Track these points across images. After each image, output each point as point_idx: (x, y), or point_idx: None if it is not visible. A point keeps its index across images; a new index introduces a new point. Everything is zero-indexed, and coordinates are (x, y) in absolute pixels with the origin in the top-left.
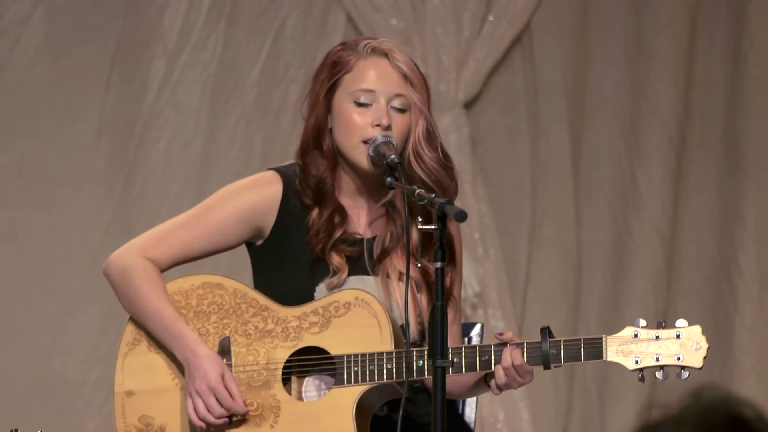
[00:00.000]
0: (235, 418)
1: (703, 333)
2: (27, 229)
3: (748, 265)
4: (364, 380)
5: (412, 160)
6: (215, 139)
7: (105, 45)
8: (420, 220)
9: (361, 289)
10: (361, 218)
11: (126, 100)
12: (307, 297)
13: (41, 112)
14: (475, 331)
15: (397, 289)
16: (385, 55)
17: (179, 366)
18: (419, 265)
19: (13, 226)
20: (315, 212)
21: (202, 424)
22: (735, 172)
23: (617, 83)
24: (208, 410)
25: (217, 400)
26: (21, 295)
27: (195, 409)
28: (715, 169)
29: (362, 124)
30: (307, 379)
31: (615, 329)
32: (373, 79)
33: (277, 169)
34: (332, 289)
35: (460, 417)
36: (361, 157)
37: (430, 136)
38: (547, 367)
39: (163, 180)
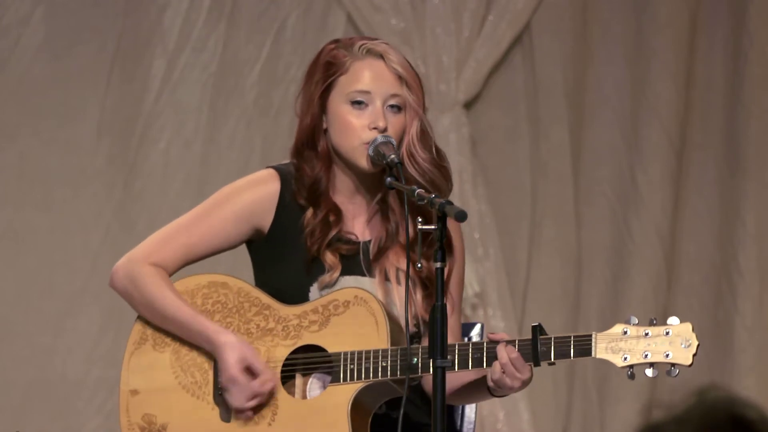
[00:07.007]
0: (264, 399)
1: (694, 330)
2: (27, 229)
3: (748, 265)
4: (359, 378)
5: (406, 160)
6: (215, 139)
7: (105, 45)
8: (420, 219)
9: (360, 287)
10: (357, 218)
11: (126, 100)
12: (301, 296)
13: (41, 111)
14: (475, 331)
15: (395, 289)
16: (381, 56)
17: (183, 366)
18: (419, 265)
19: (13, 226)
20: (310, 212)
21: (247, 413)
22: (735, 172)
23: (617, 83)
24: (239, 400)
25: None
26: (21, 295)
27: (233, 405)
28: (715, 169)
29: (359, 126)
30: (307, 377)
31: None
32: (368, 80)
33: (276, 167)
34: (323, 287)
35: (460, 417)
36: (361, 157)
37: (424, 136)
38: (537, 363)
39: (163, 180)
